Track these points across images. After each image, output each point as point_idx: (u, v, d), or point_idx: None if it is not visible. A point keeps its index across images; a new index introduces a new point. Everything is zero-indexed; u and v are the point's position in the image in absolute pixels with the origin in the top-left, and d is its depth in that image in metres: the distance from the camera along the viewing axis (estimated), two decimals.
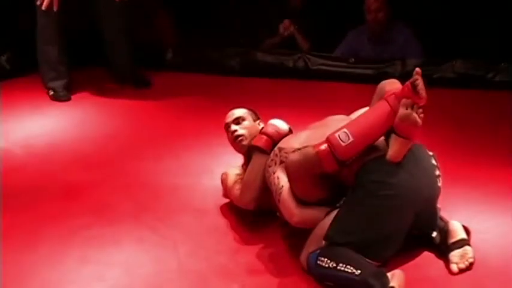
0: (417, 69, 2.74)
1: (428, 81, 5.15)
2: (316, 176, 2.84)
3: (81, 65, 5.43)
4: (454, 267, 2.80)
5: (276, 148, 3.12)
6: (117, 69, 5.28)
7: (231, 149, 3.48)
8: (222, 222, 3.28)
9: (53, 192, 3.58)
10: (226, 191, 3.36)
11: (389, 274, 2.62)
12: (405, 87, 2.76)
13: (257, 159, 3.19)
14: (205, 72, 5.48)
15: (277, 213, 3.10)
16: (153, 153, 4.06)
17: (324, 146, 2.79)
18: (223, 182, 3.37)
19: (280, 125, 3.28)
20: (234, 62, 5.55)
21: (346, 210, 2.80)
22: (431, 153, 2.93)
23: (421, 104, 2.74)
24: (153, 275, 2.88)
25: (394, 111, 2.75)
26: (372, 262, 2.71)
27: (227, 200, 3.41)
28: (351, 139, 2.75)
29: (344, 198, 2.84)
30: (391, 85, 2.93)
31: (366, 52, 5.45)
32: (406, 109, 2.71)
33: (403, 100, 2.73)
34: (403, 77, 4.99)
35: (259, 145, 3.20)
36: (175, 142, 4.22)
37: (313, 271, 2.78)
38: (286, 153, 3.00)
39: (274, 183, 2.99)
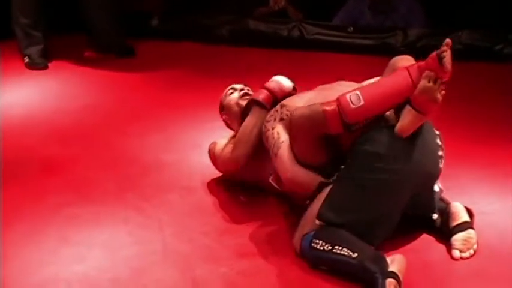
0: (447, 40, 2.70)
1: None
2: (319, 136, 2.84)
3: (61, 31, 5.42)
4: (457, 253, 2.81)
5: (278, 105, 3.12)
6: (99, 36, 5.26)
7: (220, 123, 3.49)
8: (209, 201, 3.30)
9: (31, 168, 3.59)
10: (215, 158, 3.36)
11: (389, 259, 2.63)
12: (430, 59, 2.72)
13: (256, 113, 3.18)
14: (193, 41, 5.48)
15: (270, 178, 3.11)
16: (137, 127, 4.06)
17: (332, 106, 2.77)
18: (211, 151, 3.37)
19: (284, 81, 3.26)
20: (225, 30, 5.55)
21: (339, 186, 2.81)
22: (437, 132, 2.92)
23: (445, 79, 2.72)
24: (137, 257, 2.89)
25: (414, 84, 2.72)
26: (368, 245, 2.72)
27: (215, 177, 3.43)
28: (362, 102, 2.73)
29: (337, 173, 2.84)
30: (404, 62, 2.90)
31: (366, 21, 5.44)
32: (429, 82, 2.69)
33: (427, 72, 2.70)
34: (405, 48, 5.04)
35: (259, 99, 3.19)
36: (161, 115, 4.22)
37: (307, 254, 2.79)
38: (288, 110, 3.01)
39: (273, 138, 3.00)
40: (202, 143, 3.73)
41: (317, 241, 2.74)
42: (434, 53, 2.71)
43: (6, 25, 5.09)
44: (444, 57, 2.68)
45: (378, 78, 3.04)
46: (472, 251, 2.82)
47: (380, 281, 2.54)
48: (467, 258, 2.81)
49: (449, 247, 2.84)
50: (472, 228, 2.86)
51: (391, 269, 2.58)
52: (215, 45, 5.42)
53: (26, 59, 5.00)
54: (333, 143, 2.88)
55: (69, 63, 5.10)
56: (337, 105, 2.75)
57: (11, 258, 2.87)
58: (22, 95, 4.57)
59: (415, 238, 2.95)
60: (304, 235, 2.80)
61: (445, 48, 2.69)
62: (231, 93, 3.41)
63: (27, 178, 3.49)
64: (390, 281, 2.53)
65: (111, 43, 5.24)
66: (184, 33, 5.56)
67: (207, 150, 3.43)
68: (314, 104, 2.85)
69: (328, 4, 5.67)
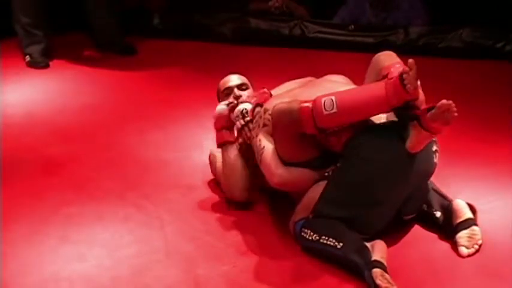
0: (410, 60, 2.60)
1: (434, 51, 5.15)
2: (297, 134, 2.84)
3: (62, 29, 5.41)
4: (464, 250, 2.80)
5: (261, 109, 3.11)
6: (100, 35, 5.25)
7: None
8: (211, 200, 3.28)
9: (31, 167, 3.58)
10: (216, 175, 3.36)
11: (368, 245, 2.66)
12: (396, 79, 2.64)
13: (227, 152, 3.19)
14: (194, 39, 5.47)
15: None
16: (138, 126, 4.05)
17: (307, 105, 2.77)
18: (212, 163, 3.37)
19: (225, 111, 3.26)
20: (226, 29, 5.53)
21: (333, 185, 2.82)
22: None
23: (410, 99, 2.63)
24: (138, 255, 2.88)
25: (388, 101, 2.66)
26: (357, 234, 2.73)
27: None
28: (334, 110, 2.72)
29: (332, 165, 2.85)
30: (387, 58, 2.91)
31: (368, 18, 5.44)
32: (443, 112, 2.58)
33: (443, 101, 2.57)
34: (406, 46, 5.03)
35: (225, 140, 3.20)
36: (162, 114, 4.21)
37: (298, 240, 2.85)
38: (270, 115, 3.00)
39: (256, 145, 3.02)
40: (203, 141, 3.73)
41: (306, 230, 2.80)
42: (397, 74, 2.64)
43: (7, 24, 5.08)
44: (405, 79, 2.60)
45: None
46: (476, 246, 2.81)
47: (366, 272, 2.58)
48: (473, 253, 2.80)
49: (452, 244, 2.84)
50: (475, 224, 2.85)
51: (374, 257, 2.61)
52: (216, 43, 5.41)
53: (27, 58, 4.99)
54: (317, 142, 2.88)
55: (70, 62, 5.09)
56: (312, 107, 2.76)
57: (11, 257, 2.85)
58: (23, 94, 4.55)
59: (419, 236, 2.94)
60: (296, 222, 2.86)
61: (406, 69, 2.61)
62: (227, 93, 3.39)
63: (28, 177, 3.47)
64: (376, 271, 2.56)
65: (111, 41, 5.23)
66: (185, 31, 5.54)
67: (208, 149, 3.43)
68: (294, 100, 2.86)
69: (330, 2, 5.66)
